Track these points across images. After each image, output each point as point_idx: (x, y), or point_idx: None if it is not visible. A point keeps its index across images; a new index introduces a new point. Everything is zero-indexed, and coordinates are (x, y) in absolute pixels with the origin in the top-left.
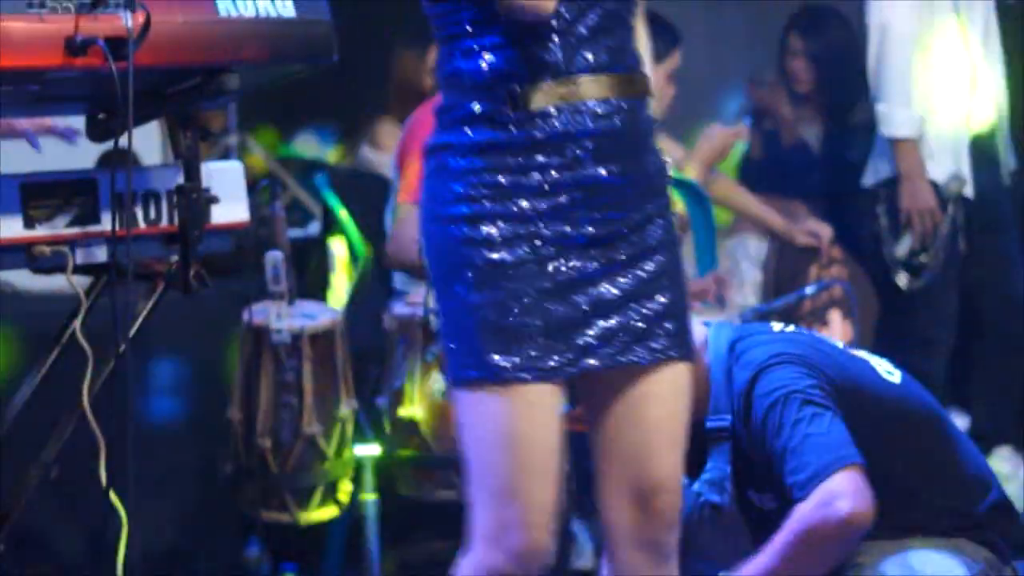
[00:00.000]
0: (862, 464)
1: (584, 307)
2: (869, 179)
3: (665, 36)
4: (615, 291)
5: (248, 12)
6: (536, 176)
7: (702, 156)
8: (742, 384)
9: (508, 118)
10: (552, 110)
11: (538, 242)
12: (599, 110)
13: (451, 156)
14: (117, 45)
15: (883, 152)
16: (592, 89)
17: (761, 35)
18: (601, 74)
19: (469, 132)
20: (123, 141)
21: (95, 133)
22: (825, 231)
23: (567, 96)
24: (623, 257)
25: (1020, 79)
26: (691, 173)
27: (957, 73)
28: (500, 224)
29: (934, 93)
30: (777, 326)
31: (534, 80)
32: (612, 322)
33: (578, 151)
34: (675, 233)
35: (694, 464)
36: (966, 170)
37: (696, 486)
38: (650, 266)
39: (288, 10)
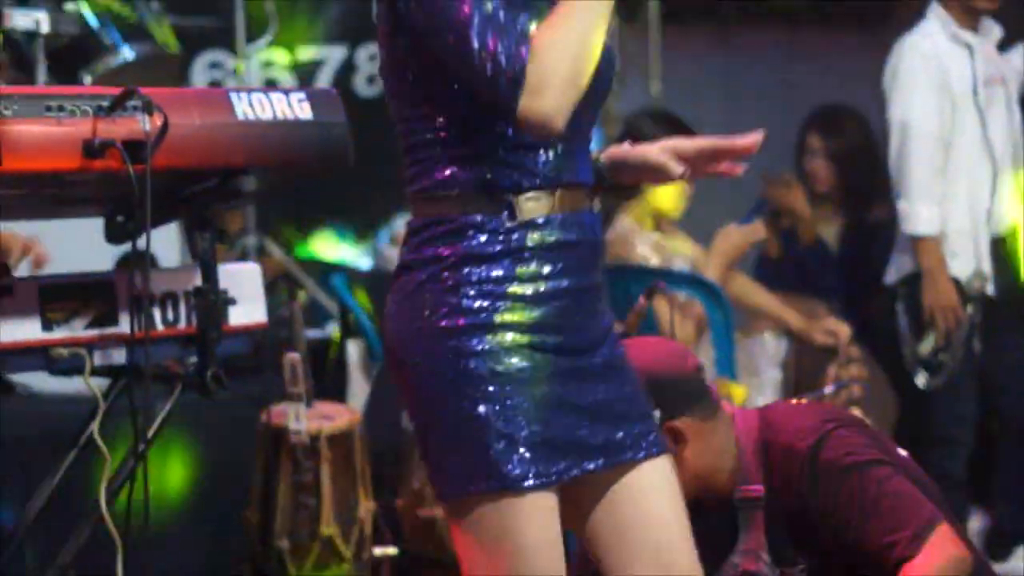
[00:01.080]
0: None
1: (581, 410)
2: (890, 277)
3: (682, 135)
4: (604, 393)
5: (265, 115)
6: (530, 285)
7: (720, 255)
8: (800, 450)
9: (502, 228)
10: (543, 220)
11: (536, 350)
12: (585, 220)
13: (442, 269)
14: (135, 148)
15: (904, 249)
16: (576, 199)
17: (778, 134)
18: (582, 185)
19: (460, 243)
20: (141, 243)
21: (113, 235)
22: (844, 330)
23: (557, 207)
24: (600, 360)
25: None
26: (709, 273)
27: (979, 171)
28: (499, 334)
29: (956, 191)
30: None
31: (526, 190)
32: (606, 423)
33: (568, 259)
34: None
35: (724, 534)
36: (987, 268)
37: (733, 557)
38: (620, 364)
39: (305, 113)
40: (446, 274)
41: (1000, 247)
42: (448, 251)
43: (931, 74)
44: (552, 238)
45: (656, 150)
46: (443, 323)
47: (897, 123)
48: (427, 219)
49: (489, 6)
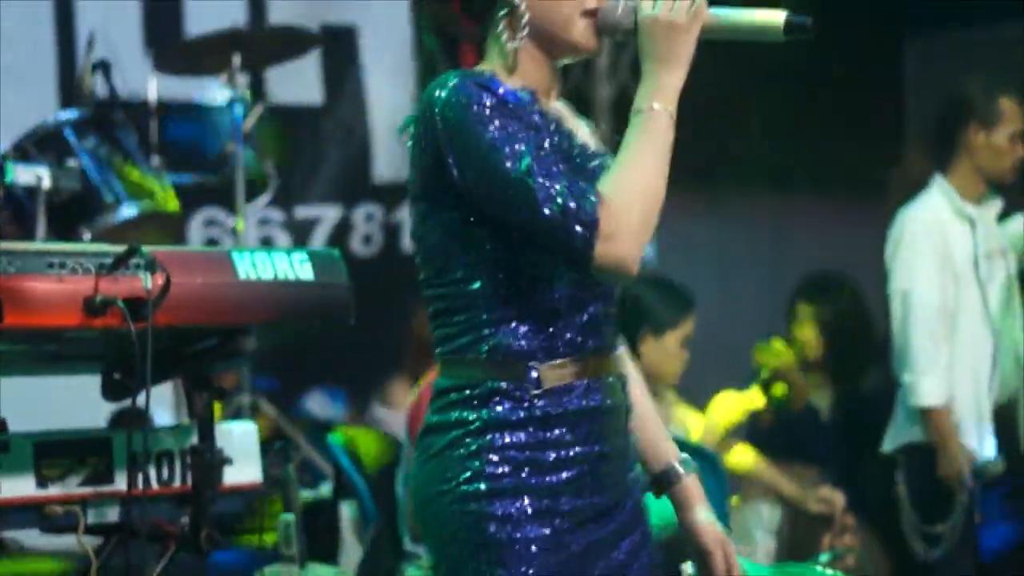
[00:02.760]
0: None
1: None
2: (888, 445)
3: (679, 302)
4: (622, 556)
5: (267, 275)
6: (552, 452)
7: (716, 422)
8: None
9: (526, 396)
10: (567, 387)
11: (557, 517)
12: (608, 387)
13: (465, 433)
14: (136, 306)
15: (905, 419)
16: (600, 366)
17: (769, 300)
18: (607, 353)
19: (485, 409)
20: (139, 400)
21: (110, 392)
22: (838, 499)
23: (581, 374)
24: (619, 524)
25: None
26: (705, 439)
27: (981, 343)
28: (521, 500)
29: (959, 362)
30: None
31: (551, 358)
32: None
33: (591, 427)
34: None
35: None
36: (989, 438)
37: None
38: (640, 526)
39: (307, 273)
40: (469, 439)
41: (1000, 416)
42: (473, 416)
43: (933, 246)
44: (575, 405)
45: (715, 550)
46: (466, 487)
47: (899, 294)
48: (454, 382)
49: (538, 155)
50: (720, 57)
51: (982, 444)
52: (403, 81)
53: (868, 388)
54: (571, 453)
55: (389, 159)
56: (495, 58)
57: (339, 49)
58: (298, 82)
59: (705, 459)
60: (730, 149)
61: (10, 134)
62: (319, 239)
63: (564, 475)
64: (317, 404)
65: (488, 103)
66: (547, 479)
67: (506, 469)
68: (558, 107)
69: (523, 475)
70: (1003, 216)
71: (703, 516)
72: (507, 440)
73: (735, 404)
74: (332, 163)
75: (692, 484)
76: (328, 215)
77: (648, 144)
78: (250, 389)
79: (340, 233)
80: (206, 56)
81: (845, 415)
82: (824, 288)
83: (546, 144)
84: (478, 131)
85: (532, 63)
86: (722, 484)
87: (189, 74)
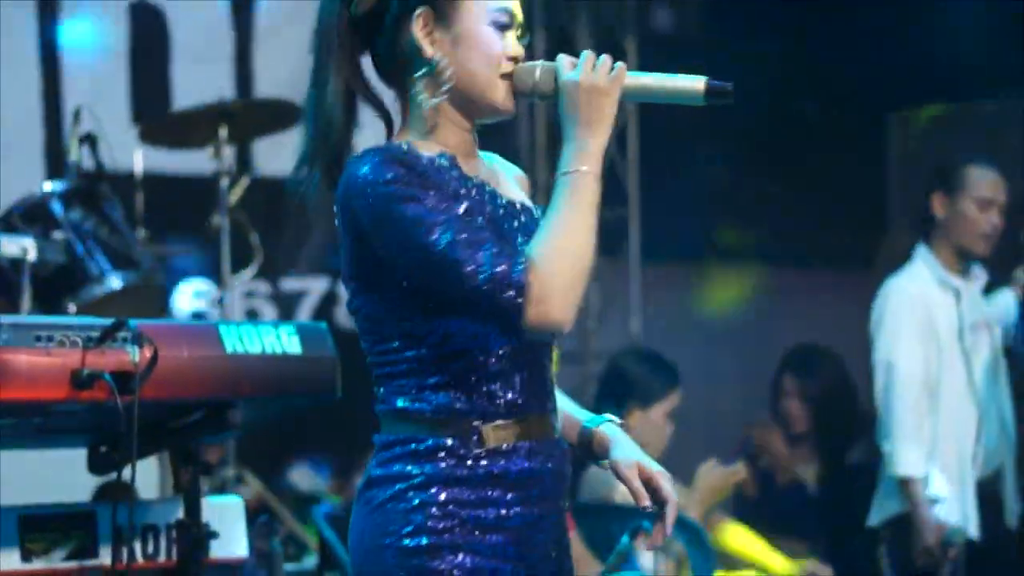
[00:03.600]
0: None
1: None
2: (873, 519)
3: (665, 375)
4: None
5: (254, 348)
6: (492, 510)
7: (700, 496)
8: None
9: (470, 453)
10: (512, 448)
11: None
12: (551, 449)
13: (408, 487)
14: (123, 379)
15: (888, 492)
16: (544, 428)
17: (755, 373)
18: (547, 415)
19: (429, 464)
20: (124, 473)
21: (96, 465)
22: (825, 573)
23: (524, 435)
24: None
25: None
26: (690, 513)
27: (965, 415)
28: (462, 555)
29: (943, 434)
30: None
31: (494, 418)
32: None
33: (533, 488)
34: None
35: None
36: (972, 511)
37: None
38: None
39: (294, 347)
40: (412, 493)
41: (985, 490)
42: (417, 470)
43: (917, 317)
44: (518, 466)
45: (631, 476)
46: (407, 542)
47: (882, 365)
48: (396, 437)
49: (461, 225)
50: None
51: (966, 517)
52: None
53: (854, 461)
54: (514, 513)
55: None
56: (412, 124)
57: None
58: (285, 154)
59: (691, 532)
60: (715, 223)
61: None
62: (305, 311)
63: (505, 535)
64: (301, 476)
65: (406, 179)
66: (487, 538)
67: (448, 524)
68: (482, 164)
69: (464, 532)
70: (991, 289)
71: (618, 453)
72: (450, 496)
73: (721, 478)
74: (319, 235)
75: (603, 432)
76: (314, 287)
77: (575, 205)
78: (235, 462)
79: (326, 305)
80: (193, 128)
81: (831, 488)
82: (809, 362)
83: (465, 209)
84: (399, 209)
85: (451, 125)
86: (708, 557)
87: (176, 146)
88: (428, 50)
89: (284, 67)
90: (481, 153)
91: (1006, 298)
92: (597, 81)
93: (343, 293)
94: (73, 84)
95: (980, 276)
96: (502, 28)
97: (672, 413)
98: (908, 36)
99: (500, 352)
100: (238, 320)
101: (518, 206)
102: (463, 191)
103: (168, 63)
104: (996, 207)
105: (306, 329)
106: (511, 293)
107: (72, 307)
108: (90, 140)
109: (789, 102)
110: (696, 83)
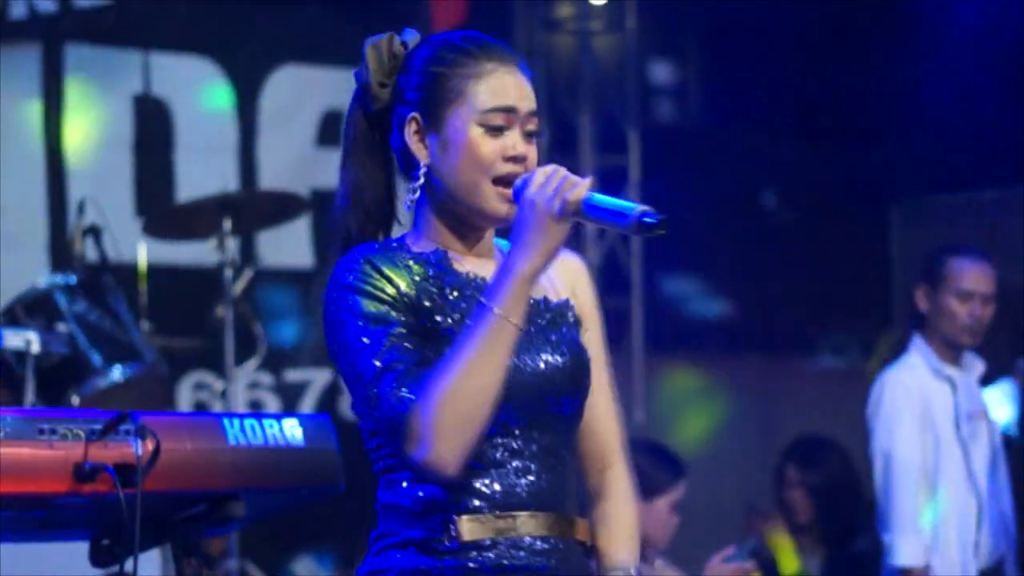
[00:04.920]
0: None
1: None
2: None
3: (670, 466)
4: None
5: (257, 440)
6: None
7: None
8: None
9: (441, 547)
10: (487, 542)
11: None
12: (536, 547)
13: None
14: (126, 472)
15: None
16: (530, 525)
17: (758, 463)
18: (539, 511)
19: (400, 558)
20: (127, 567)
21: (98, 559)
22: None
23: (504, 530)
24: None
25: None
26: None
27: (965, 505)
28: None
29: (944, 524)
30: None
31: (470, 511)
32: None
33: None
34: None
35: None
36: None
37: None
38: None
39: (297, 439)
40: None
41: None
42: (388, 565)
43: (914, 407)
44: (491, 562)
45: None
46: None
47: (880, 455)
48: (379, 531)
49: (393, 352)
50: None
51: None
52: None
53: (858, 551)
54: None
55: None
56: (415, 220)
57: (330, 212)
58: (289, 246)
59: None
60: (717, 313)
61: (0, 298)
62: (308, 402)
63: None
64: (305, 568)
65: (364, 289)
66: None
67: None
68: (490, 260)
69: None
70: (989, 379)
71: None
72: None
73: (726, 571)
74: (322, 326)
75: None
76: (318, 378)
77: (476, 344)
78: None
79: (330, 396)
80: (197, 220)
81: None
82: (813, 452)
83: (405, 324)
84: (345, 320)
85: (446, 225)
86: None
87: (180, 238)
88: (418, 154)
89: (288, 158)
90: (501, 244)
91: (1005, 388)
92: (552, 209)
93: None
94: (77, 176)
95: (977, 365)
96: (496, 130)
97: (677, 505)
98: (910, 127)
99: (487, 443)
100: (242, 412)
101: (542, 304)
102: (434, 292)
103: (172, 155)
104: (978, 298)
105: (309, 421)
106: (396, 431)
107: (75, 399)
108: (94, 232)
109: (791, 191)
110: (631, 215)
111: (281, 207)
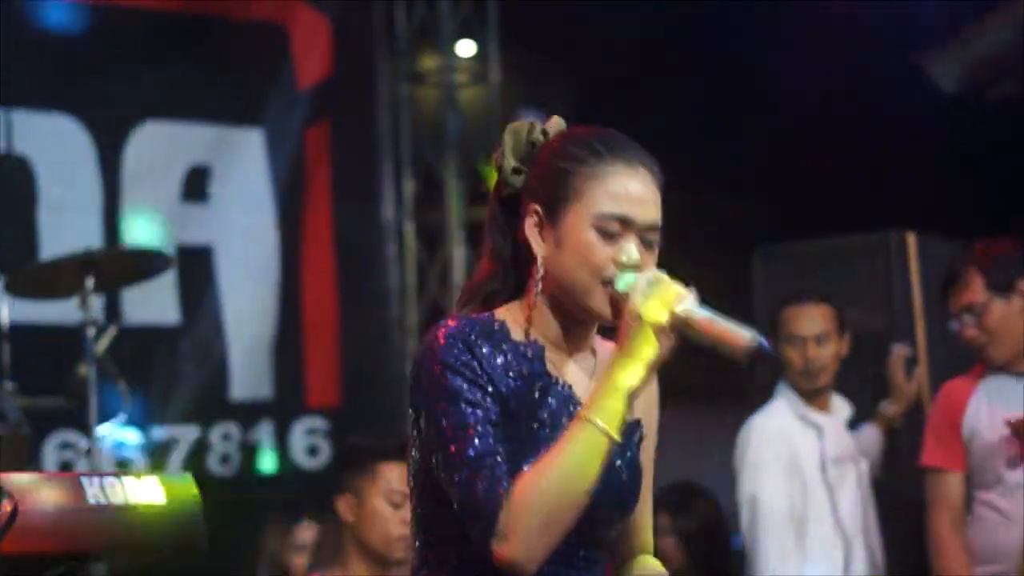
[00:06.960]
0: None
1: None
2: None
3: None
4: None
5: (117, 499)
6: None
7: None
8: None
9: None
10: None
11: None
12: None
13: None
14: None
15: None
16: None
17: None
18: None
19: None
20: None
21: None
22: None
23: None
24: None
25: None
26: None
27: (831, 549)
28: None
29: (809, 568)
30: None
31: None
32: None
33: None
34: None
35: None
36: None
37: None
38: None
39: (158, 497)
40: None
41: None
42: None
43: (779, 453)
44: None
45: None
46: None
47: (747, 500)
48: None
49: (488, 441)
50: None
51: None
52: (260, 299)
53: None
54: None
55: (246, 378)
56: (521, 302)
57: (195, 269)
58: (154, 303)
59: None
60: None
61: None
62: (176, 460)
63: None
64: None
65: (465, 373)
66: None
67: None
68: (585, 363)
69: None
70: (856, 422)
71: None
72: None
73: None
74: (188, 383)
75: None
76: (185, 435)
77: (575, 452)
78: None
79: (197, 453)
80: (59, 278)
81: None
82: (684, 500)
83: (496, 414)
84: (444, 404)
85: (550, 318)
86: None
87: (42, 296)
88: (536, 247)
89: (151, 216)
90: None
91: (871, 432)
92: (646, 309)
93: (215, 441)
94: None
95: (844, 409)
96: (610, 235)
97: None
98: (774, 174)
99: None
100: (104, 471)
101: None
102: (523, 387)
103: (35, 213)
104: (812, 341)
105: (170, 480)
106: (482, 522)
107: None
108: None
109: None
110: (745, 340)
111: (146, 264)
